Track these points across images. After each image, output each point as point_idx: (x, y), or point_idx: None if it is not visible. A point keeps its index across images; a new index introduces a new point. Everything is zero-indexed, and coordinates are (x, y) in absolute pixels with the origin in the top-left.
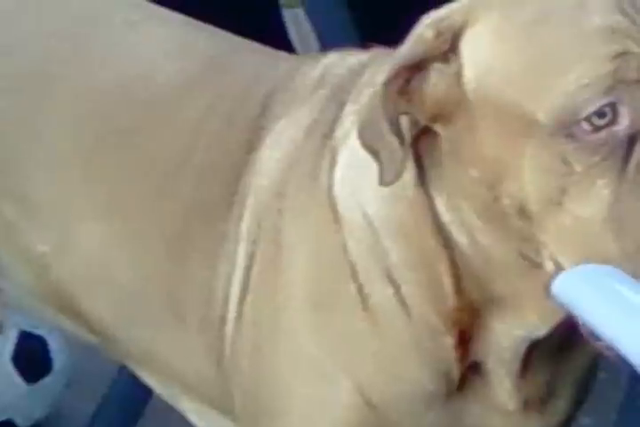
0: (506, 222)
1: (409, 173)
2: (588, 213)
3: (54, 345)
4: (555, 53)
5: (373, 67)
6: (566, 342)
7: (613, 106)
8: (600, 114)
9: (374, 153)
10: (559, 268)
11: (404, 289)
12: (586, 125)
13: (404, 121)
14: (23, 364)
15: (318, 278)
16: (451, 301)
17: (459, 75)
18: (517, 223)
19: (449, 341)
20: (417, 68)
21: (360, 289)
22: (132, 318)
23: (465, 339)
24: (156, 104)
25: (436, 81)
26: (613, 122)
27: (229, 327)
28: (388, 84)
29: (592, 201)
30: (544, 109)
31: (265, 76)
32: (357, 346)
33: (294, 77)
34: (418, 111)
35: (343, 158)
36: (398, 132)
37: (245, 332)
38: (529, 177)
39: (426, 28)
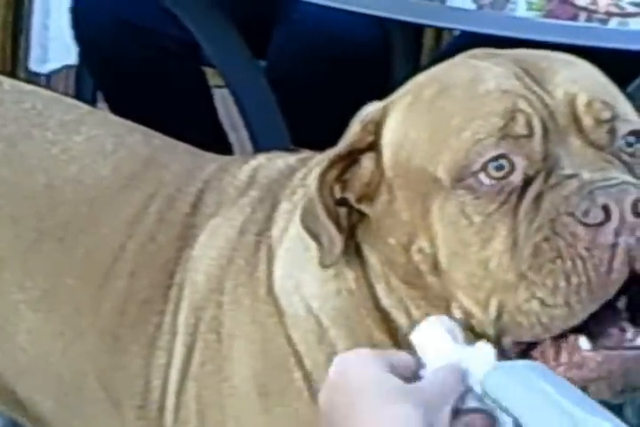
0: (424, 282)
1: (349, 267)
2: (489, 253)
3: None
4: (452, 117)
5: (303, 170)
6: None
7: (507, 157)
8: (497, 166)
9: (315, 237)
10: (467, 313)
11: None
12: (484, 178)
13: (343, 211)
14: None
15: (263, 368)
16: None
17: (380, 157)
18: (432, 280)
19: None
20: (350, 158)
21: (306, 377)
22: (68, 406)
23: None
24: (91, 202)
25: (365, 167)
26: (511, 172)
27: (168, 416)
28: (323, 173)
29: (492, 242)
30: (442, 166)
31: (194, 177)
32: None
33: (222, 178)
34: (350, 195)
35: (282, 257)
36: (336, 219)
37: (188, 420)
38: (437, 232)
39: (355, 123)
